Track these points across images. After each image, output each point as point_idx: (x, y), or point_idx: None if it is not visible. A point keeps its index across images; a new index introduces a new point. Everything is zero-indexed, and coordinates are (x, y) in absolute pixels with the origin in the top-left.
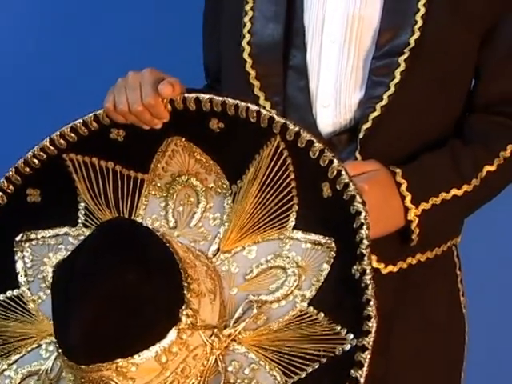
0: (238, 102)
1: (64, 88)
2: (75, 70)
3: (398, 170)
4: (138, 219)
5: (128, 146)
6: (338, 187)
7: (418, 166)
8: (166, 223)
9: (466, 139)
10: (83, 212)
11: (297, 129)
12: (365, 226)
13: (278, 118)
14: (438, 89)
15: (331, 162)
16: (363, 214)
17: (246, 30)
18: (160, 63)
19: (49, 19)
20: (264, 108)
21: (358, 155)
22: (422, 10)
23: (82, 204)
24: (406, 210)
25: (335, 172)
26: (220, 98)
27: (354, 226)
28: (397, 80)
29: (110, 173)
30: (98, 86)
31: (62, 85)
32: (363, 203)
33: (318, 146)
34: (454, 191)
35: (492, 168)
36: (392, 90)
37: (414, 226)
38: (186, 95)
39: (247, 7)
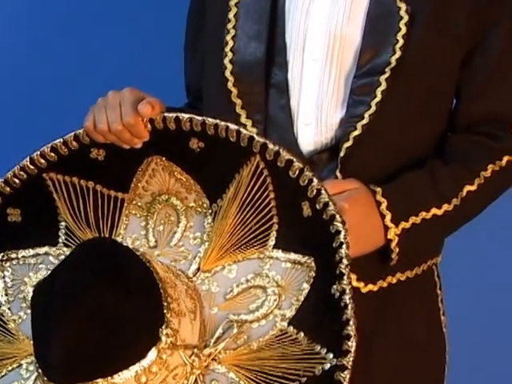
0: (217, 121)
1: (60, 93)
2: (69, 72)
3: (379, 189)
4: (119, 239)
5: (108, 166)
6: (317, 206)
7: (398, 185)
8: (146, 242)
9: (447, 159)
10: (64, 231)
11: (276, 148)
12: (344, 246)
13: (257, 138)
14: (419, 108)
15: (311, 181)
16: (343, 233)
17: (228, 49)
18: (144, 80)
19: (46, 22)
20: (244, 127)
21: (338, 174)
22: (404, 30)
23: (63, 223)
24: (386, 228)
25: (315, 191)
26: (199, 118)
27: (334, 245)
28: (378, 99)
29: (90, 192)
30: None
31: (60, 89)
32: (343, 222)
33: (297, 165)
34: (434, 210)
35: (473, 188)
36: (373, 108)
37: (393, 245)
38: (166, 114)
39: (229, 25)
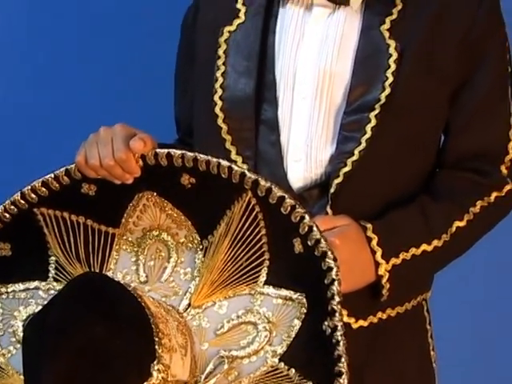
0: (209, 157)
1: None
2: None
3: (369, 225)
4: (109, 274)
5: (99, 201)
6: (309, 243)
7: (388, 222)
8: (137, 278)
9: (436, 195)
10: (54, 266)
11: (268, 185)
12: (336, 282)
13: (249, 174)
14: (408, 144)
15: (303, 217)
16: (334, 269)
17: (217, 85)
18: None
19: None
20: (235, 164)
21: (328, 210)
22: (393, 67)
23: (53, 258)
24: (377, 264)
25: (306, 228)
26: (191, 154)
27: (326, 281)
28: (368, 135)
29: (80, 227)
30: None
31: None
32: (335, 259)
33: (289, 201)
34: (424, 246)
35: (462, 224)
36: (363, 145)
37: (384, 280)
38: (158, 150)
39: (219, 62)
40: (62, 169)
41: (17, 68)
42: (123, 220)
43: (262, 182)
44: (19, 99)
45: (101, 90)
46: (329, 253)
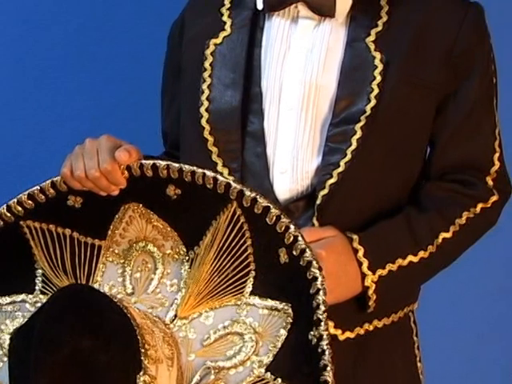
0: (194, 168)
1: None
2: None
3: (355, 237)
4: (96, 286)
5: (85, 213)
6: (294, 253)
7: (374, 233)
8: (123, 289)
9: (422, 206)
10: (40, 279)
11: (253, 195)
12: (321, 292)
13: (234, 185)
14: (394, 155)
15: (288, 227)
16: (320, 279)
17: (204, 97)
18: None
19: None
20: (221, 174)
21: (315, 221)
22: (379, 78)
23: (40, 271)
24: (363, 276)
25: (292, 238)
26: (177, 165)
27: (311, 291)
28: (353, 147)
29: (67, 239)
30: None
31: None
32: (320, 269)
33: (274, 211)
34: (410, 257)
35: (448, 235)
36: (349, 156)
37: (371, 292)
38: (143, 162)
39: (205, 74)
40: (48, 181)
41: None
42: (109, 232)
43: (247, 193)
44: (7, 110)
45: (90, 102)
46: (314, 262)
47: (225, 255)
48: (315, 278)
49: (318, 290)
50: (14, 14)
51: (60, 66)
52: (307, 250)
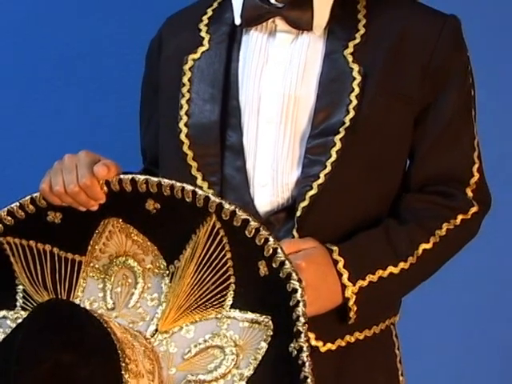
0: (173, 182)
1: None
2: None
3: (335, 248)
4: (77, 301)
5: (65, 229)
6: (274, 265)
7: (354, 244)
8: (104, 305)
9: (403, 218)
10: (21, 295)
11: (232, 208)
12: (301, 304)
13: (213, 198)
14: (373, 167)
15: (267, 240)
16: (299, 291)
17: (182, 112)
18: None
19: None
20: (200, 188)
21: (295, 233)
22: (357, 90)
23: (20, 287)
24: (344, 287)
25: (271, 250)
26: (155, 179)
27: (291, 303)
28: (333, 159)
29: (47, 255)
30: None
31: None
32: (299, 281)
33: (253, 224)
34: (390, 269)
35: (428, 246)
36: (328, 168)
37: (351, 303)
38: (122, 176)
39: (184, 89)
40: (27, 197)
41: None
42: (89, 247)
43: (226, 206)
44: None
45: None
46: (293, 274)
47: (205, 269)
48: (295, 290)
49: (298, 302)
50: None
51: (45, 80)
52: (286, 262)
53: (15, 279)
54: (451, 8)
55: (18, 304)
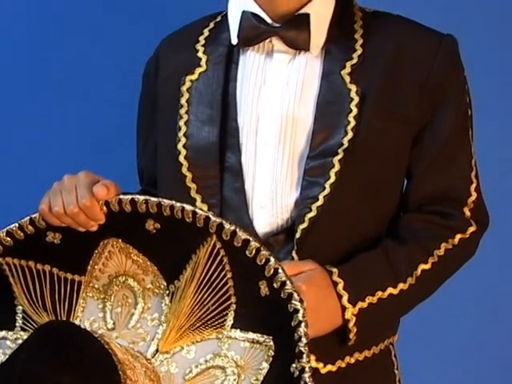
0: (173, 202)
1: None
2: None
3: (335, 270)
4: (76, 321)
5: (64, 249)
6: (275, 285)
7: (354, 266)
8: (104, 325)
9: (401, 238)
10: (21, 315)
11: (233, 228)
12: (303, 324)
13: (213, 218)
14: (372, 188)
15: (268, 260)
16: (301, 311)
17: (181, 134)
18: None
19: None
20: (200, 208)
21: (294, 255)
22: (355, 111)
23: (20, 307)
24: (343, 309)
25: (272, 270)
26: (155, 199)
27: (292, 323)
28: (332, 180)
29: (46, 276)
30: None
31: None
32: (301, 301)
33: (254, 244)
34: (390, 290)
35: (427, 267)
36: (327, 190)
37: (351, 325)
38: (122, 197)
39: (182, 111)
40: (26, 218)
41: None
42: (89, 267)
43: (227, 226)
44: None
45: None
46: (295, 294)
47: (205, 289)
48: (296, 311)
49: (300, 322)
50: None
51: (41, 100)
52: (288, 282)
53: (15, 300)
54: (448, 27)
55: (17, 324)
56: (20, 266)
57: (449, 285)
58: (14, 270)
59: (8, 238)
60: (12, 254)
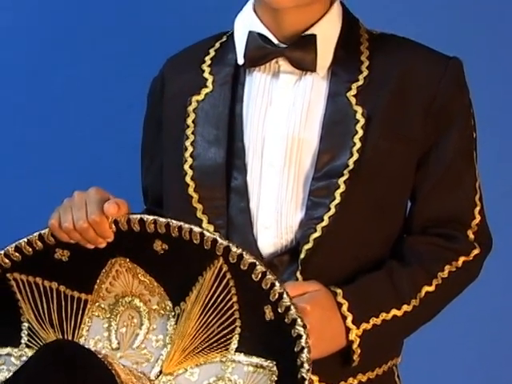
0: (181, 223)
1: None
2: None
3: (339, 291)
4: (81, 340)
5: (72, 266)
6: (279, 310)
7: (358, 287)
8: (108, 344)
9: (405, 260)
10: (26, 332)
11: (239, 251)
12: (305, 350)
13: (220, 241)
14: (377, 209)
15: (273, 284)
16: (304, 337)
17: (187, 154)
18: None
19: None
20: (207, 230)
21: (299, 276)
22: (360, 132)
23: (26, 324)
24: (348, 330)
25: (277, 295)
26: (164, 220)
27: (296, 349)
28: (337, 201)
29: (54, 293)
30: None
31: None
32: (304, 326)
33: (260, 268)
34: (394, 311)
35: (430, 289)
36: (332, 210)
37: (355, 346)
38: (131, 216)
39: (188, 131)
40: (36, 233)
41: None
42: (96, 286)
43: (234, 249)
44: None
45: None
46: (298, 320)
47: (210, 311)
48: (300, 336)
49: (303, 348)
50: None
51: (44, 119)
52: (292, 307)
53: (21, 316)
54: (454, 49)
55: (22, 341)
56: (28, 282)
57: (452, 307)
58: (21, 286)
59: (16, 253)
60: (20, 270)
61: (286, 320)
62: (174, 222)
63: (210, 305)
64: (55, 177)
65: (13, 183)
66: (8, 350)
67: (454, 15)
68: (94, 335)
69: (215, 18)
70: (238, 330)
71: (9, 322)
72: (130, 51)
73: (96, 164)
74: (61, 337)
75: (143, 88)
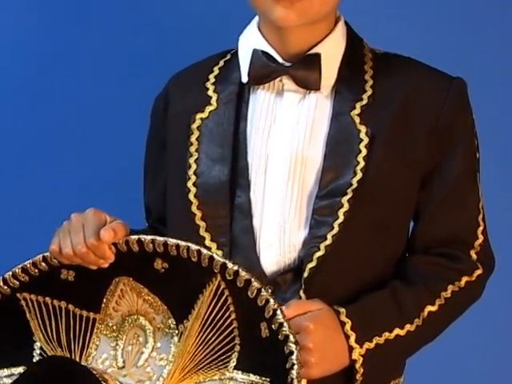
0: (178, 241)
1: None
2: None
3: (342, 310)
4: (90, 359)
5: (79, 286)
6: (273, 327)
7: (361, 306)
8: (115, 363)
9: (408, 280)
10: (38, 352)
11: (235, 268)
12: (296, 367)
13: (217, 258)
14: (380, 228)
15: (267, 301)
16: (295, 353)
17: (191, 172)
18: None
19: None
20: (205, 247)
21: (302, 294)
22: (364, 152)
23: (38, 343)
24: (351, 349)
25: (271, 312)
26: (161, 239)
27: (287, 366)
28: (340, 220)
29: (62, 312)
30: None
31: None
32: (296, 343)
33: (255, 285)
34: (397, 331)
35: (433, 308)
36: (336, 229)
37: (358, 365)
38: (128, 238)
39: (192, 149)
40: (39, 256)
41: None
42: (103, 305)
43: (230, 265)
44: None
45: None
46: (291, 336)
47: (210, 329)
48: (291, 353)
49: (293, 364)
50: None
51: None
52: (285, 324)
53: (32, 335)
54: (457, 69)
55: (34, 360)
56: (37, 302)
57: (454, 326)
58: (30, 305)
59: (23, 274)
60: (29, 290)
61: (279, 337)
62: (171, 240)
63: (209, 322)
64: (59, 185)
65: (13, 183)
66: (21, 369)
67: (455, 31)
68: (102, 354)
69: (219, 35)
70: (238, 347)
71: (21, 341)
72: (133, 68)
73: (99, 172)
74: (68, 355)
75: (147, 96)
